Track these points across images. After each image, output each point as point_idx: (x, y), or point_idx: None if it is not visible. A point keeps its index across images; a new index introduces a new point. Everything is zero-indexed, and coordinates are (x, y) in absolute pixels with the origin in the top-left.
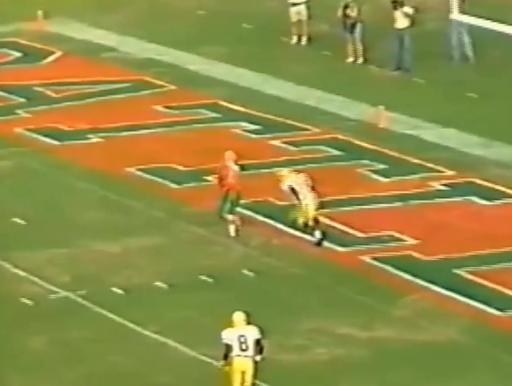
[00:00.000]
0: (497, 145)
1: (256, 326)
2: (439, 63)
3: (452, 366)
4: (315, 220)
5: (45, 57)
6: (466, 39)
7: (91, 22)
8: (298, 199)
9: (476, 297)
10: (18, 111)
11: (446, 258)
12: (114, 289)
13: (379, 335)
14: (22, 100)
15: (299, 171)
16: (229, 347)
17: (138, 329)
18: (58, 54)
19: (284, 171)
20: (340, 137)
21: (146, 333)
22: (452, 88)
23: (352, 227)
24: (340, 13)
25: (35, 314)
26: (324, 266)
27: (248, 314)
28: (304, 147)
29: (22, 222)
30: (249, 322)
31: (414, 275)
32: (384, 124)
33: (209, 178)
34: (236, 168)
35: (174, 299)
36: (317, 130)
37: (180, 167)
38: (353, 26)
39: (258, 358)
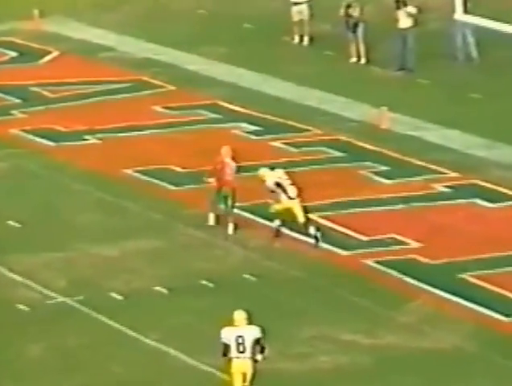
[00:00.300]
0: (501, 146)
1: (257, 325)
2: (442, 63)
3: (457, 373)
4: (306, 217)
5: (41, 57)
6: (471, 40)
7: (89, 21)
8: (285, 193)
9: (480, 302)
10: (14, 111)
11: (450, 262)
12: (112, 294)
13: (383, 342)
14: (17, 100)
15: (273, 168)
16: (226, 347)
17: (138, 336)
18: (55, 54)
19: (262, 170)
20: (342, 138)
21: (146, 340)
22: (455, 89)
23: (354, 230)
24: (342, 12)
25: (32, 320)
26: (326, 270)
27: (249, 314)
28: (305, 148)
29: (18, 225)
30: (250, 322)
31: (417, 279)
32: (386, 125)
33: (209, 179)
34: (233, 165)
35: (173, 304)
36: (318, 131)
37: (179, 169)
38: (356, 25)
39: (259, 357)
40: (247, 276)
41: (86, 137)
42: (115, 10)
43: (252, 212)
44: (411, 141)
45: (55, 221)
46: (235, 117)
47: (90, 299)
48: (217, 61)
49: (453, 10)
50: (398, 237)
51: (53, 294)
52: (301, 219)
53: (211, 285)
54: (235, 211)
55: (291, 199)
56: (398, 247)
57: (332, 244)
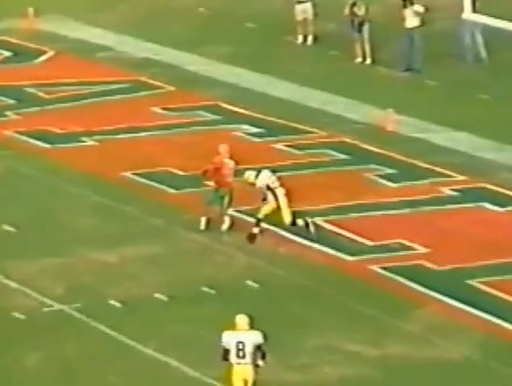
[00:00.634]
0: (510, 149)
1: (259, 331)
2: (450, 63)
3: (466, 384)
4: (292, 215)
5: (37, 56)
6: (479, 40)
7: (86, 20)
8: (275, 195)
9: (490, 309)
10: (8, 113)
11: (458, 268)
12: (111, 302)
13: (389, 352)
14: (12, 101)
15: (259, 169)
16: (226, 351)
17: (136, 345)
18: (50, 53)
19: (248, 173)
20: (347, 140)
21: (145, 349)
22: (463, 90)
23: (359, 235)
24: (347, 11)
25: (28, 329)
26: (331, 276)
27: (252, 319)
28: (309, 151)
29: (13, 229)
30: (252, 327)
31: (424, 286)
32: (392, 127)
33: (209, 183)
34: (232, 165)
35: (174, 312)
36: (323, 133)
37: (179, 172)
38: (361, 24)
39: (260, 363)
40: (250, 282)
41: (83, 138)
42: (113, 9)
43: (254, 216)
44: (418, 143)
45: (51, 226)
46: (236, 119)
47: (88, 307)
48: (218, 61)
49: (462, 9)
50: (405, 242)
51: (50, 302)
52: (287, 220)
53: (212, 291)
54: (230, 211)
55: (278, 199)
56: (404, 252)
57: (337, 249)
